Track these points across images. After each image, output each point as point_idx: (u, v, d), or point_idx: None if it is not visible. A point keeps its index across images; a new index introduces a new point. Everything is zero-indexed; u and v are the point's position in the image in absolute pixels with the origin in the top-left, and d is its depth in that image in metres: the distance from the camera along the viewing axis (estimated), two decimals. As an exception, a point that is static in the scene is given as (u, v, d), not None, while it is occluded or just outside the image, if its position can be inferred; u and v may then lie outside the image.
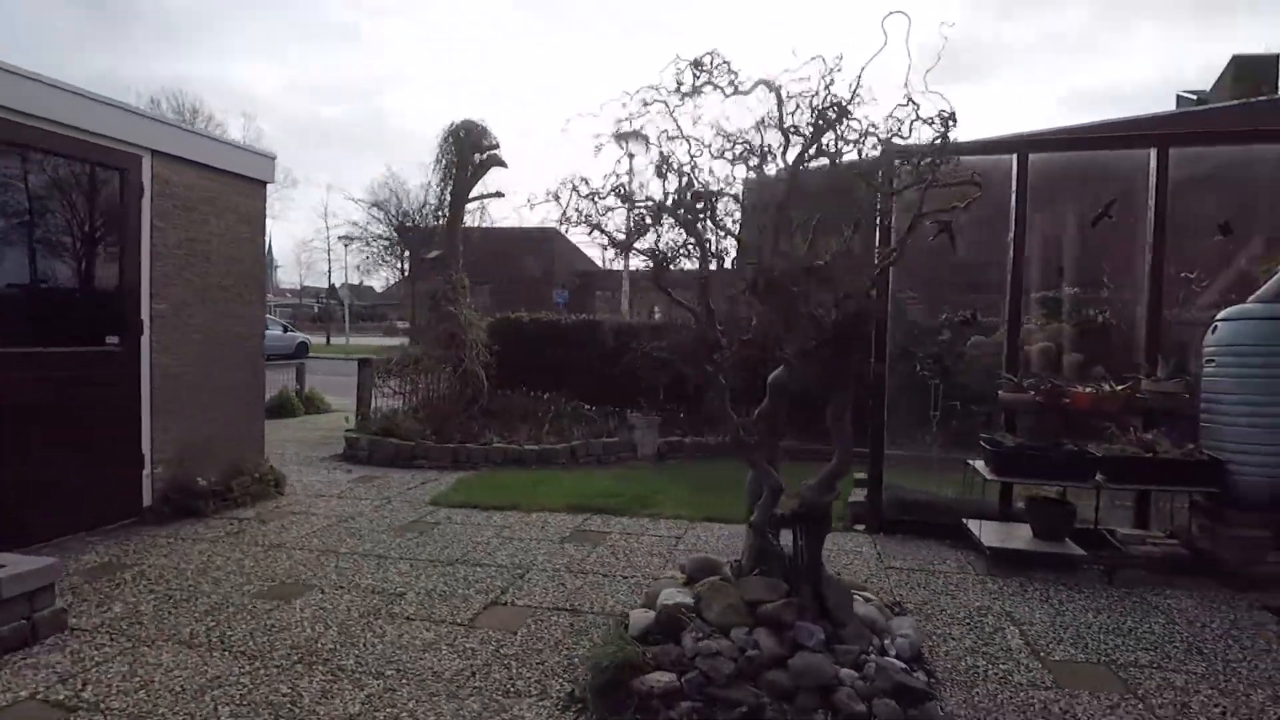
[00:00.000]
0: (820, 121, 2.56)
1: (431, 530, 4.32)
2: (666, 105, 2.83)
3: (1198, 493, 3.59)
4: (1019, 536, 3.90)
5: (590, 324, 8.86)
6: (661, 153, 2.99)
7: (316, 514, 4.65)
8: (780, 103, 2.70)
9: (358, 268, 39.88)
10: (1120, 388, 3.89)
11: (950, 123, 2.29)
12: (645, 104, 2.88)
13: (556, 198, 3.18)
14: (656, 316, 10.17)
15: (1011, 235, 4.26)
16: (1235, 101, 13.79)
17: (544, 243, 24.41)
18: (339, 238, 32.79)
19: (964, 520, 4.12)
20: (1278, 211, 4.02)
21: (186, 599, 3.14)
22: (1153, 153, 3.96)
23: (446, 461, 6.30)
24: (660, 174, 3.00)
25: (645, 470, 6.29)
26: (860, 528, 4.47)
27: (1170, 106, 20.99)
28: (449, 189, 8.18)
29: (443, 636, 2.84)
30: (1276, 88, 18.33)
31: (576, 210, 3.19)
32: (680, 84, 2.83)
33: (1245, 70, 18.66)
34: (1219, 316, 3.65)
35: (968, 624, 3.01)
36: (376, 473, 6.06)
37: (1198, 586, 3.36)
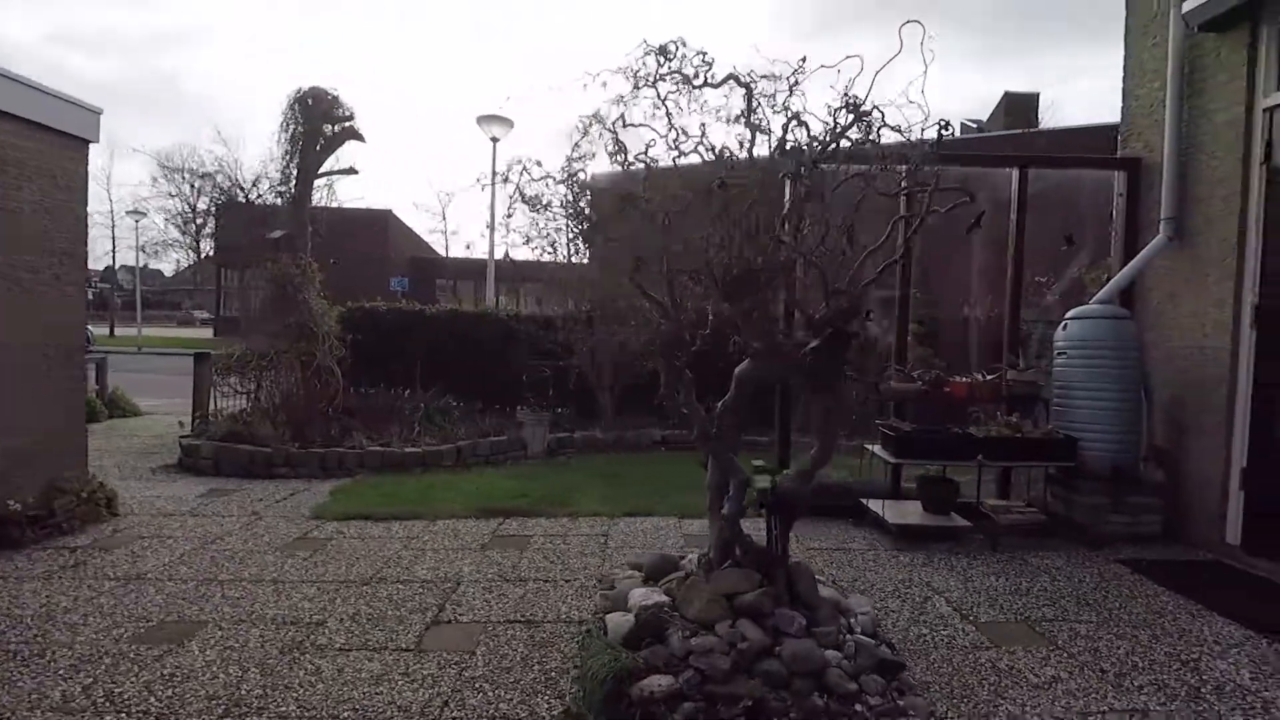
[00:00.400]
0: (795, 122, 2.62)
1: (326, 547, 3.85)
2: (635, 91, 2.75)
3: (1055, 466, 4.19)
4: (912, 512, 4.31)
5: (464, 315, 8.41)
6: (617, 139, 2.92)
7: (173, 537, 3.94)
8: (750, 98, 2.72)
9: (143, 249, 34.51)
10: (991, 377, 4.43)
11: (945, 130, 2.45)
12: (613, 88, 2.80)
13: (506, 179, 2.98)
14: (534, 307, 9.87)
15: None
16: (1013, 130, 16.42)
17: (377, 225, 22.70)
18: (127, 212, 28.09)
19: (862, 500, 4.48)
20: (1100, 225, 4.80)
21: (38, 654, 2.51)
22: (1015, 172, 4.54)
23: (314, 469, 5.65)
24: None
25: (542, 468, 6.09)
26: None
27: (957, 132, 24.62)
28: (295, 162, 7.33)
29: (391, 666, 2.53)
30: (1037, 120, 22.25)
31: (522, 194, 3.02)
32: (641, 71, 2.77)
33: (1015, 105, 22.18)
34: (1068, 315, 4.28)
35: (898, 596, 3.27)
36: (230, 485, 5.28)
37: (1060, 546, 3.93)
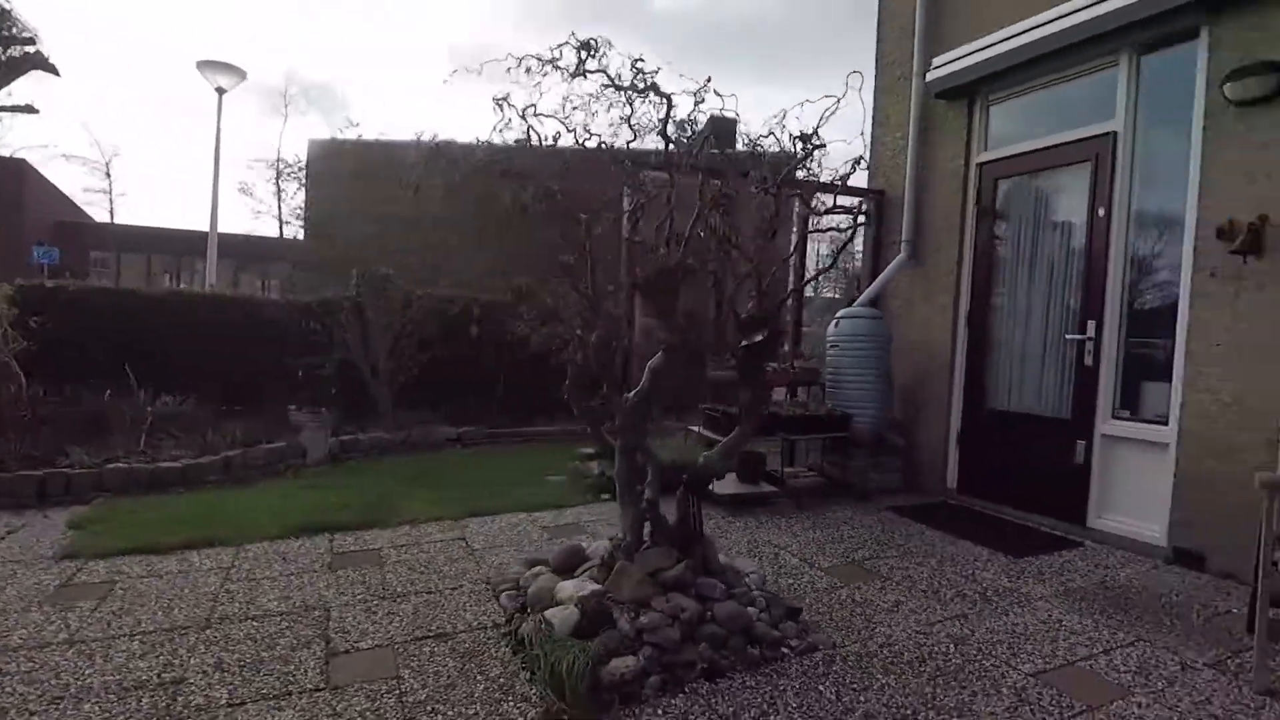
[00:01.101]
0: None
1: (114, 593, 3.06)
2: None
3: (833, 437, 5.14)
4: (731, 483, 4.92)
5: (201, 299, 7.04)
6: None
7: None
8: (669, 107, 2.91)
9: None
10: (783, 366, 5.25)
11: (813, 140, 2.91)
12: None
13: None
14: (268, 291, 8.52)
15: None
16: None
17: (6, 179, 17.28)
18: None
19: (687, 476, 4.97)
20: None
21: None
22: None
23: (27, 496, 4.31)
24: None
25: (337, 476, 5.45)
26: (606, 496, 4.89)
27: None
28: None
29: (314, 711, 2.20)
30: (734, 143, 25.77)
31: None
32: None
33: (720, 128, 25.73)
34: (839, 314, 5.26)
35: (754, 555, 3.76)
36: (-117, 530, 3.79)
37: (842, 502, 4.86)
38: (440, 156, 2.84)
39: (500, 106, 2.90)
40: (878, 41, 5.82)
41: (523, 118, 2.97)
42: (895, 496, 5.00)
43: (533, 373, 7.72)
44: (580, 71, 2.85)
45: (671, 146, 2.96)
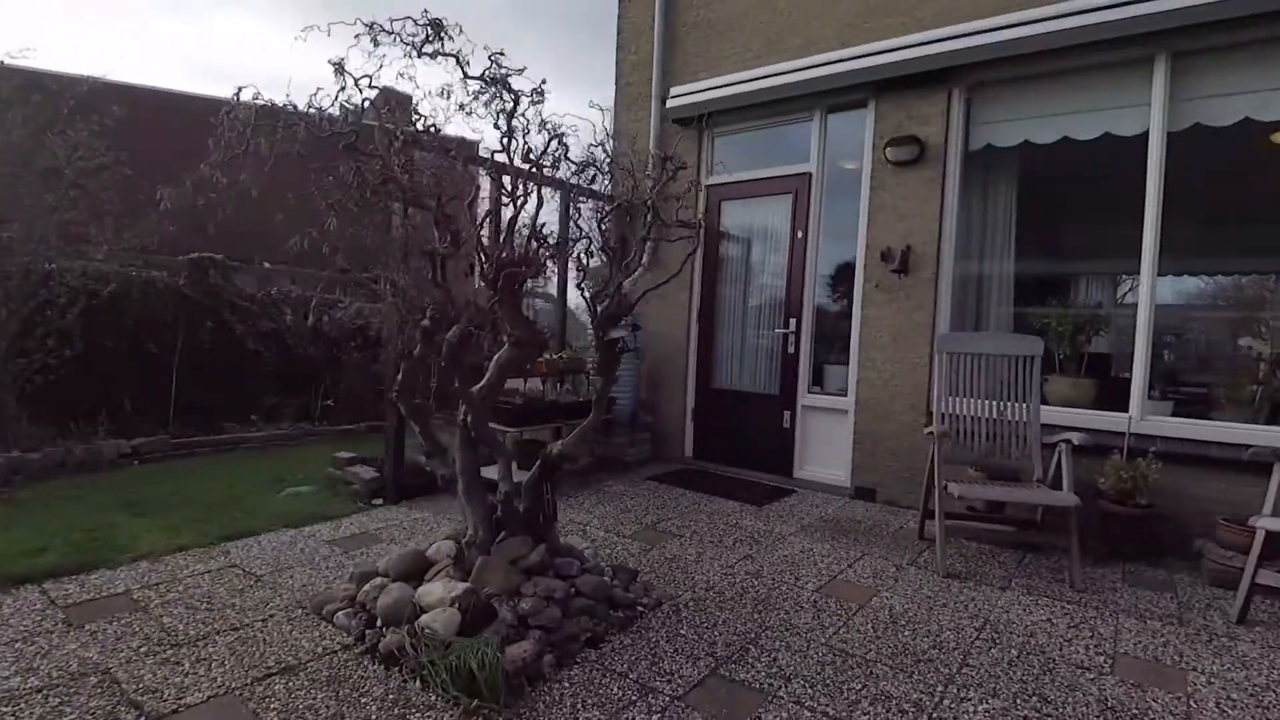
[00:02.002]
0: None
1: None
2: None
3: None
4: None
5: None
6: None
7: None
8: (515, 104, 2.95)
9: None
10: (554, 357, 5.52)
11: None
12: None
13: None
14: None
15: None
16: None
17: None
18: None
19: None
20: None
21: None
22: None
23: None
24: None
25: (22, 505, 4.02)
26: (379, 502, 4.58)
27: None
28: None
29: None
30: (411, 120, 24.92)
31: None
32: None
33: (394, 102, 24.71)
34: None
35: (565, 532, 3.99)
36: None
37: (611, 475, 5.36)
38: (273, 119, 2.44)
39: (339, 72, 2.63)
40: (617, 63, 6.42)
41: (357, 87, 2.74)
42: (648, 467, 5.69)
43: (218, 369, 6.70)
44: (428, 51, 2.75)
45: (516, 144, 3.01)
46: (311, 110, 2.60)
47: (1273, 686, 2.50)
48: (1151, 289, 4.07)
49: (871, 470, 4.99)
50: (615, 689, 2.36)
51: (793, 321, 5.41)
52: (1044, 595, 3.31)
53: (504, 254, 2.97)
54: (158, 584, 3.10)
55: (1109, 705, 2.34)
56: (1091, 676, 2.54)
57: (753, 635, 2.79)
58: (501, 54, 2.81)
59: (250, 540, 3.73)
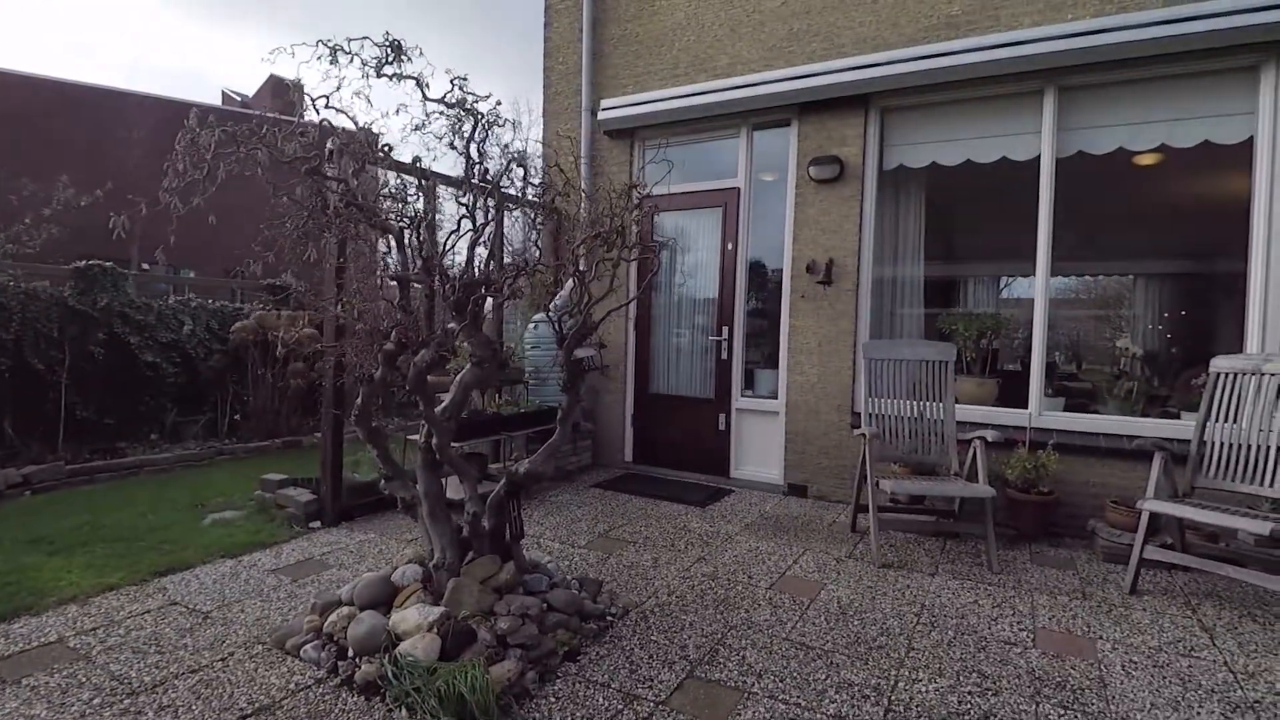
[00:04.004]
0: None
1: None
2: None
3: (542, 429, 5.62)
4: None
5: None
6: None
7: None
8: (475, 126, 2.96)
9: None
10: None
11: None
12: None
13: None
14: None
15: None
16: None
17: None
18: None
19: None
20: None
21: None
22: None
23: None
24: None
25: None
26: (317, 525, 4.42)
27: (216, 99, 24.62)
28: None
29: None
30: (302, 111, 24.05)
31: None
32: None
33: (281, 88, 23.76)
34: (536, 319, 5.75)
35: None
36: None
37: (556, 485, 5.40)
38: (234, 143, 2.34)
39: (298, 92, 2.56)
40: (545, 72, 6.44)
41: (314, 107, 2.69)
42: (591, 473, 5.78)
43: (112, 385, 6.24)
44: (388, 73, 2.73)
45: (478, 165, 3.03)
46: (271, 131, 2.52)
47: (1165, 648, 2.91)
48: (1045, 298, 4.57)
49: (802, 468, 5.30)
50: (600, 699, 2.45)
51: (725, 329, 5.64)
52: (968, 579, 3.66)
53: (466, 275, 2.99)
54: (94, 628, 2.90)
55: (1036, 675, 2.66)
56: (1019, 651, 2.86)
57: (719, 635, 2.95)
58: (465, 79, 2.82)
59: (186, 574, 3.53)
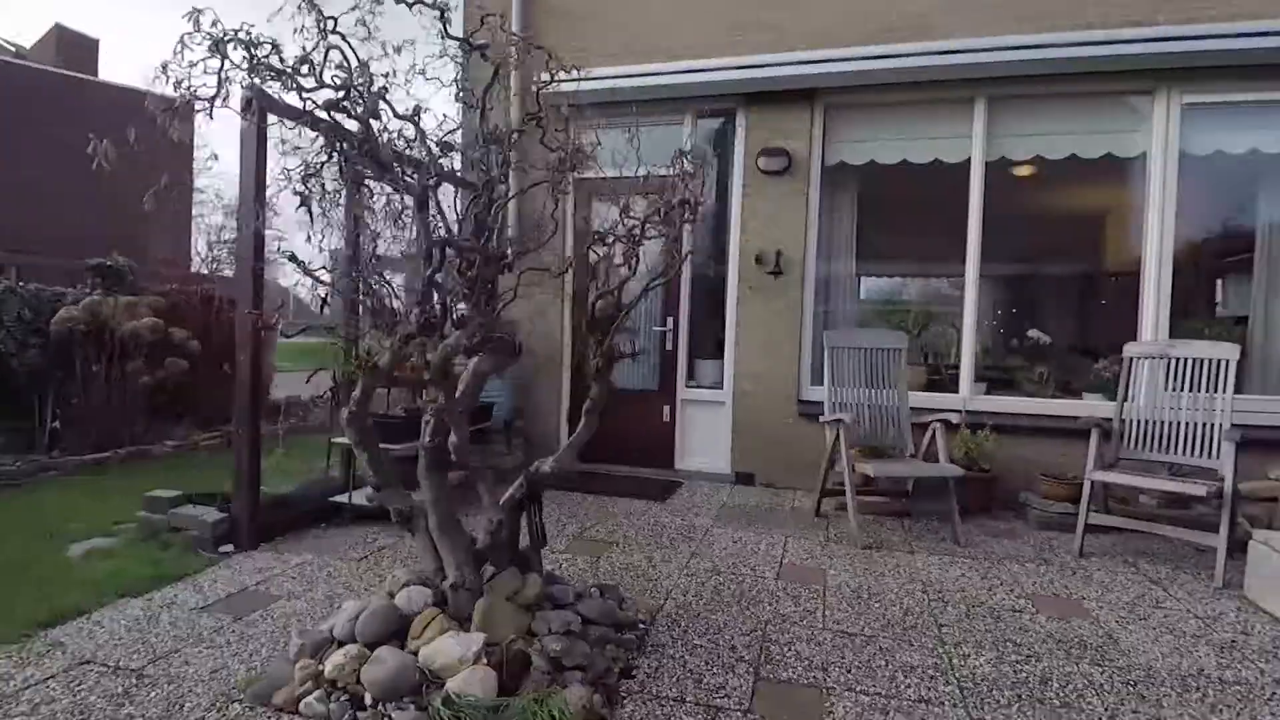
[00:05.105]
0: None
1: None
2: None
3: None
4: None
5: None
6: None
7: None
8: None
9: None
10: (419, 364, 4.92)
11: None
12: None
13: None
14: None
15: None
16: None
17: None
18: None
19: (330, 499, 4.23)
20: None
21: None
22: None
23: None
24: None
25: None
26: (230, 549, 3.67)
27: None
28: None
29: None
30: (97, 69, 20.75)
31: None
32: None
33: (69, 42, 20.77)
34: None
35: (490, 561, 3.63)
36: None
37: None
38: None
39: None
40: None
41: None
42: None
43: None
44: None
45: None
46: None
47: (1136, 603, 3.23)
48: (976, 291, 4.96)
49: (750, 457, 5.33)
50: (683, 717, 2.23)
51: (670, 319, 5.53)
52: (943, 554, 3.86)
53: (488, 245, 2.62)
54: (-16, 702, 2.15)
55: (1057, 638, 2.83)
56: (1028, 617, 3.04)
57: (760, 633, 2.83)
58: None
59: (82, 623, 2.76)
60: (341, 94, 2.41)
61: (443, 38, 2.68)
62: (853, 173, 5.35)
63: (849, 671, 2.53)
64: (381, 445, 4.24)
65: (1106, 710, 2.30)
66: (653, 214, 2.85)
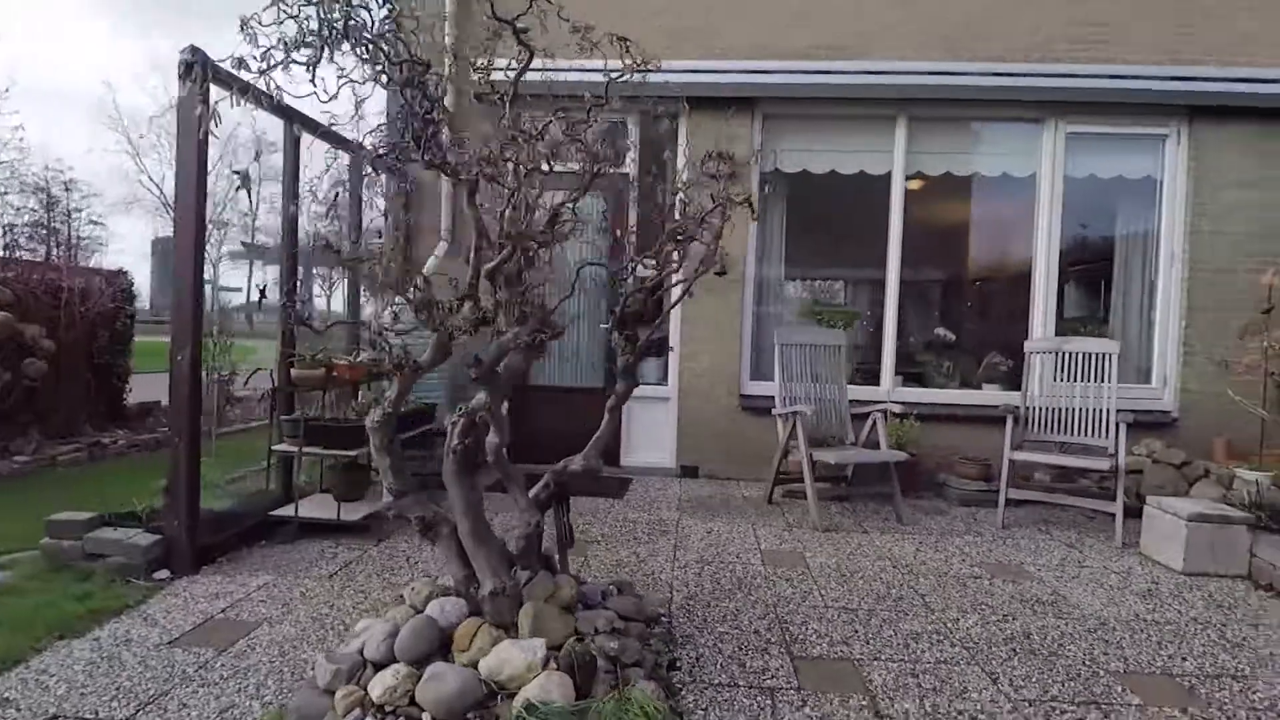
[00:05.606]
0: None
1: None
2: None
3: (424, 433, 4.86)
4: (322, 504, 4.07)
5: None
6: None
7: None
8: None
9: None
10: (359, 359, 4.57)
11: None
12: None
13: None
14: None
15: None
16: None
17: None
18: None
19: (270, 513, 3.85)
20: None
21: None
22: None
23: None
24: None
25: None
26: (165, 574, 3.23)
27: None
28: None
29: None
30: None
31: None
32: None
33: None
34: (395, 300, 4.94)
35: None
36: None
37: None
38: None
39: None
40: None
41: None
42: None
43: None
44: None
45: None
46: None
47: (1064, 564, 3.74)
48: (897, 293, 5.45)
49: (694, 450, 5.49)
50: (744, 699, 2.31)
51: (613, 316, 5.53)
52: (892, 532, 4.23)
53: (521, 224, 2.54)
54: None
55: (1020, 599, 3.23)
56: (987, 582, 3.43)
57: (772, 615, 2.97)
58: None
59: (23, 671, 2.33)
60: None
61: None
62: (787, 179, 5.66)
63: (868, 644, 2.73)
64: (333, 451, 3.95)
65: (1084, 654, 2.67)
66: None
